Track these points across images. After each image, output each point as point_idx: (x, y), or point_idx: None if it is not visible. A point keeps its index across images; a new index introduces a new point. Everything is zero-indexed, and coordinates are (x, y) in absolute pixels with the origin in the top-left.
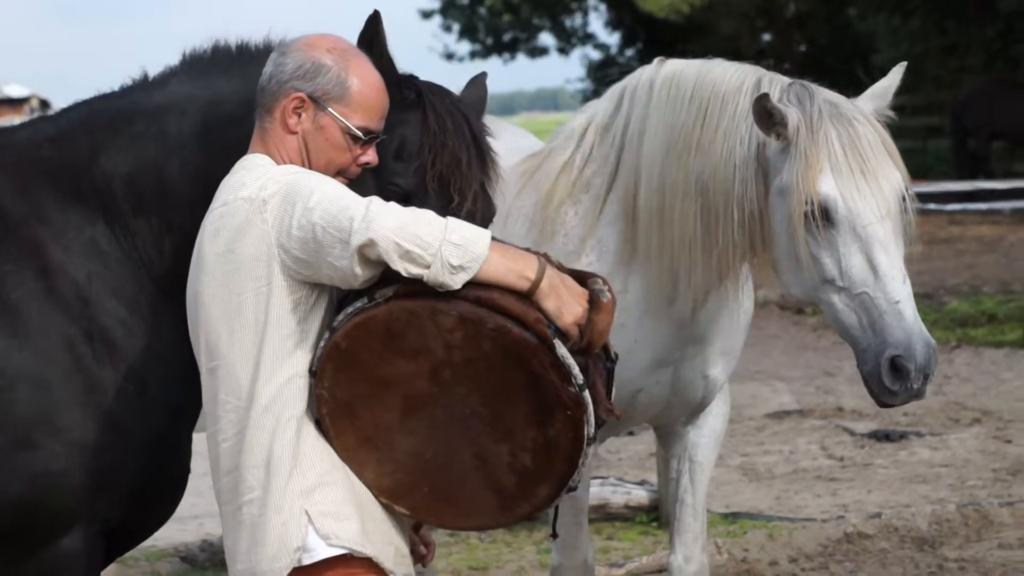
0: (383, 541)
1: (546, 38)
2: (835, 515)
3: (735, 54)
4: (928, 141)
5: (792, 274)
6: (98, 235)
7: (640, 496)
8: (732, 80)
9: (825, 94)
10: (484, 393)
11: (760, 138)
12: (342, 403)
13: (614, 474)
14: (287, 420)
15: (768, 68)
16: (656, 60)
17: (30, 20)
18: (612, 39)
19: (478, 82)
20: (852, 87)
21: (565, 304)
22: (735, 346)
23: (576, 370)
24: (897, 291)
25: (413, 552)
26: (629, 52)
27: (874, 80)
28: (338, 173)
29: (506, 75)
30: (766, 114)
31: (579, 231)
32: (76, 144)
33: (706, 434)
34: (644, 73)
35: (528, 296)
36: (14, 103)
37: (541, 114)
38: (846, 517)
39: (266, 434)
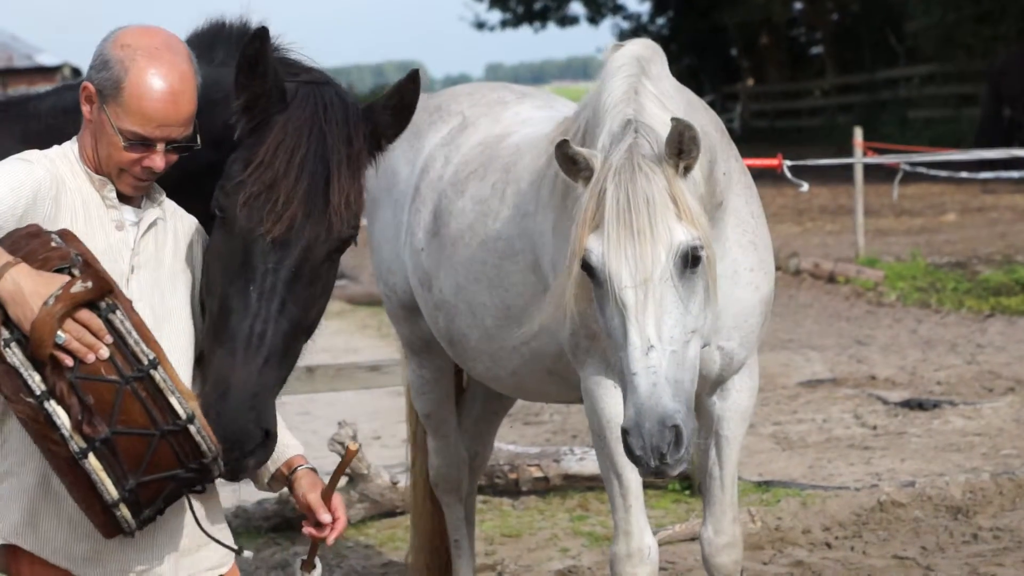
0: (70, 539)
1: (576, 7)
2: (868, 484)
3: (767, 23)
4: (961, 109)
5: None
6: None
7: None
8: (607, 97)
9: (637, 140)
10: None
11: None
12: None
13: None
14: None
15: (800, 37)
16: (611, 45)
17: None
18: (643, 8)
19: (405, 85)
20: (885, 56)
21: (25, 311)
22: (748, 321)
23: (35, 380)
24: (635, 362)
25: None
26: (660, 21)
27: (907, 48)
28: (122, 171)
29: (537, 44)
30: (569, 160)
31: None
32: None
33: (731, 408)
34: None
35: None
36: (47, 72)
37: (571, 83)
38: (879, 486)
39: None
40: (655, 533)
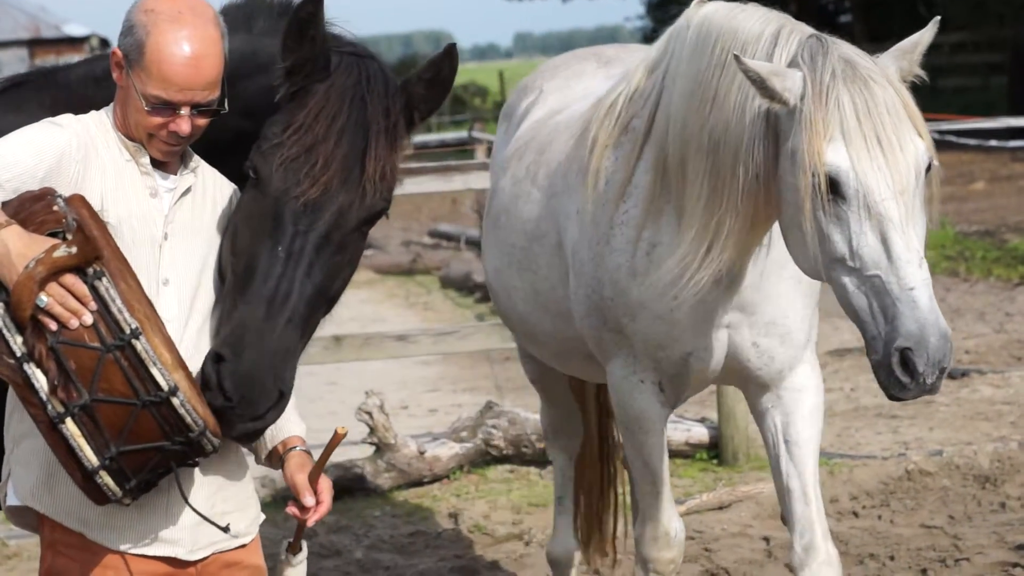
0: (84, 502)
1: None
2: (896, 453)
3: None
4: (990, 78)
5: (799, 249)
6: None
7: (700, 433)
8: (753, 28)
9: (842, 50)
10: None
11: None
12: None
13: (674, 411)
14: None
15: (829, 6)
16: (696, 1)
17: None
18: None
19: (440, 60)
20: (914, 24)
21: (10, 272)
22: (789, 317)
23: (16, 341)
24: (911, 276)
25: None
26: None
27: (936, 17)
28: (151, 136)
29: (565, 13)
30: (746, 76)
31: (619, 176)
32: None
33: (792, 411)
34: (685, 14)
35: None
36: (74, 42)
37: None
38: (907, 455)
39: None
40: (682, 502)
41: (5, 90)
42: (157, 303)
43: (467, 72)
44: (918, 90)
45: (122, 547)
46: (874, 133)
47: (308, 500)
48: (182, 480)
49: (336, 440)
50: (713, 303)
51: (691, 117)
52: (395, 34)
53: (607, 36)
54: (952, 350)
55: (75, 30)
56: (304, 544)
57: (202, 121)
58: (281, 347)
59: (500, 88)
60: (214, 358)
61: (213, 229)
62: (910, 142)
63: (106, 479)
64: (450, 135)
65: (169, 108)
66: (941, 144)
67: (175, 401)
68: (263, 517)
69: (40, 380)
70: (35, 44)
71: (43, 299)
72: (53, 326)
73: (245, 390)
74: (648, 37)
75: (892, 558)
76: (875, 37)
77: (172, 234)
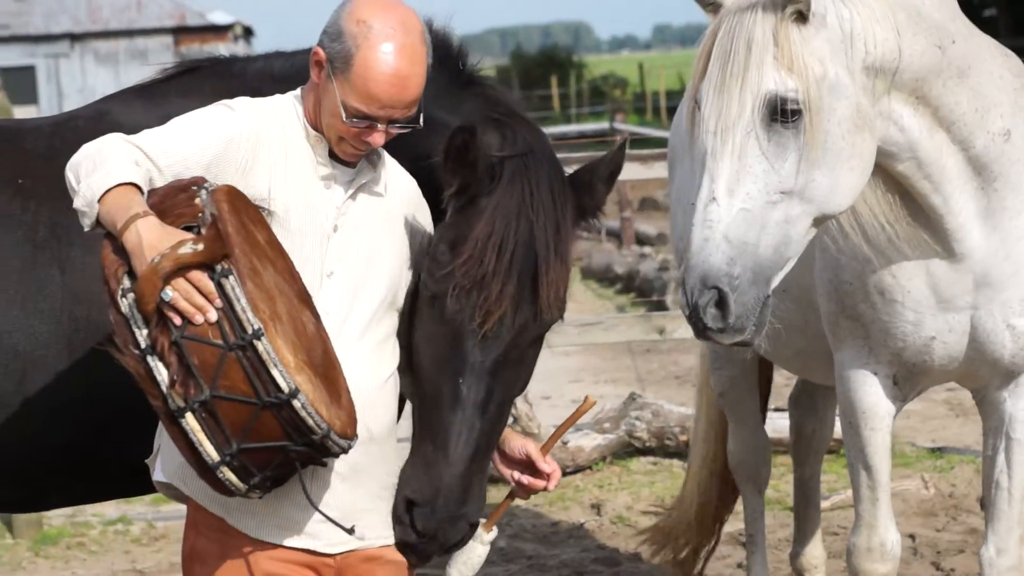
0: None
1: None
2: None
3: None
4: None
5: None
6: None
7: None
8: None
9: None
10: None
11: None
12: None
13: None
14: None
15: (973, 0)
16: None
17: None
18: None
19: (616, 154)
20: None
21: (140, 264)
22: None
23: (142, 333)
24: (696, 213)
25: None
26: None
27: None
28: (340, 140)
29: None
30: None
31: None
32: (291, 87)
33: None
34: None
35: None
36: (218, 30)
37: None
38: None
39: None
40: (827, 498)
41: (178, 74)
42: (319, 295)
43: (606, 63)
44: None
45: (261, 535)
46: (727, 66)
47: (545, 466)
48: (317, 476)
49: (584, 408)
50: (946, 278)
51: None
52: (534, 24)
53: None
54: (725, 307)
55: (219, 18)
56: (495, 527)
57: (395, 131)
58: (471, 482)
59: (640, 79)
60: (406, 503)
61: (388, 224)
62: (755, 77)
63: (228, 474)
64: (590, 126)
65: (367, 121)
66: None
67: (296, 404)
68: None
69: (162, 373)
70: (180, 32)
71: (168, 293)
72: (178, 321)
73: (438, 532)
74: None
75: None
76: (1020, 30)
77: (342, 227)
